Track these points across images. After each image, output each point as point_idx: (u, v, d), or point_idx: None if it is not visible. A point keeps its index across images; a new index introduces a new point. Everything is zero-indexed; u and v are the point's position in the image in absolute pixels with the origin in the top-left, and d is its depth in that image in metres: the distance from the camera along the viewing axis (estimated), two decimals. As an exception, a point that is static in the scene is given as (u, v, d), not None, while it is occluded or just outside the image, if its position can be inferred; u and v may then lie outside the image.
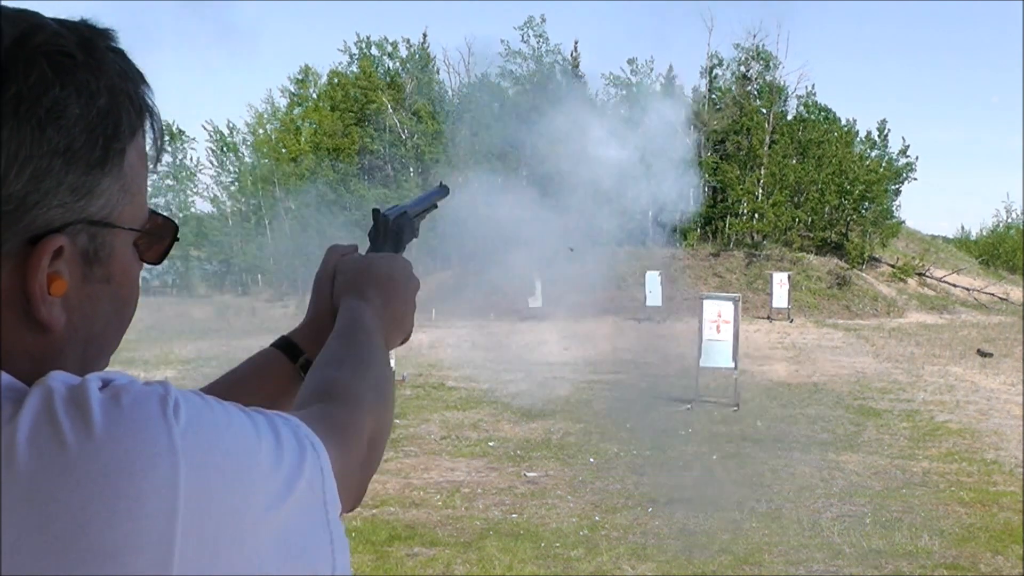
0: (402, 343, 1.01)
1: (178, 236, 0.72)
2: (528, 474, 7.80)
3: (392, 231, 1.10)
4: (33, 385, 0.55)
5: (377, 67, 41.00)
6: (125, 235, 0.64)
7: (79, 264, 0.61)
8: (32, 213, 0.57)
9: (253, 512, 0.55)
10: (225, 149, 39.97)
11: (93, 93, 0.59)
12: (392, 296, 0.97)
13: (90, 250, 0.61)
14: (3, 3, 0.62)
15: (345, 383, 0.80)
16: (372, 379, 0.83)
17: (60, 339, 0.60)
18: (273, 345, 0.96)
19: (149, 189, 0.69)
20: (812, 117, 37.81)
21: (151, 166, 0.68)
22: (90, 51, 0.61)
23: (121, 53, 0.64)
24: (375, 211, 1.11)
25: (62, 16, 0.64)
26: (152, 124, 0.66)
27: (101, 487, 0.51)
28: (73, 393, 0.54)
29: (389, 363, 0.89)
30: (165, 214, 0.71)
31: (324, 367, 0.83)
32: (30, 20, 0.60)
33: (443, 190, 1.27)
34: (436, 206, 1.25)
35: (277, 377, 0.93)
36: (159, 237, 0.70)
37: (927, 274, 32.52)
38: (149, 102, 0.65)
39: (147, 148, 0.66)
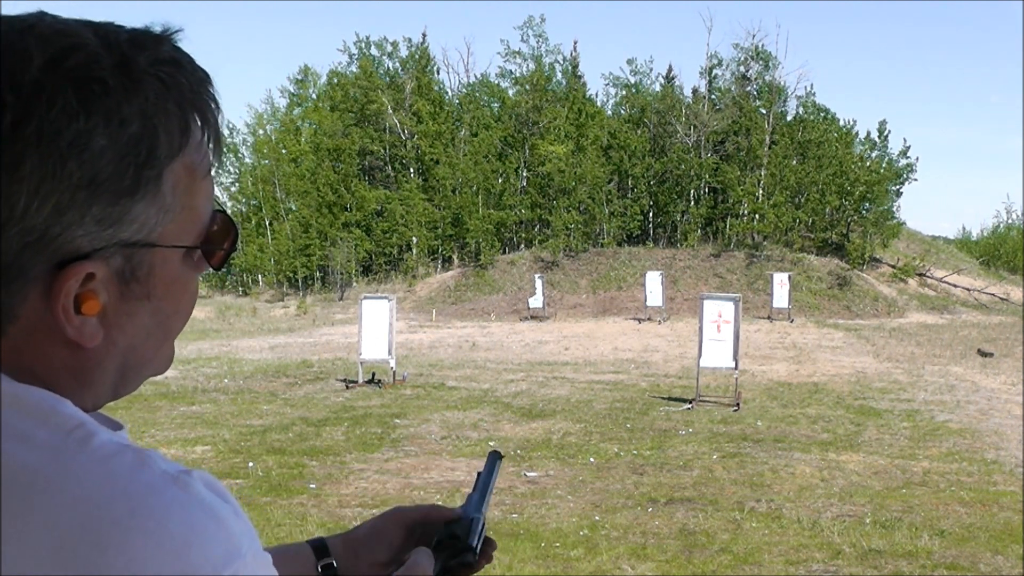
0: None
1: (238, 240, 0.69)
2: (528, 474, 7.80)
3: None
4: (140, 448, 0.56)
5: (377, 67, 40.96)
6: (167, 252, 0.62)
7: (115, 283, 0.59)
8: (56, 243, 0.56)
9: None
10: (225, 150, 40.03)
11: (124, 120, 0.56)
12: None
13: (126, 270, 0.59)
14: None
15: None
16: None
17: (97, 353, 0.60)
18: (308, 540, 0.94)
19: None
20: (812, 118, 37.76)
21: (209, 172, 0.64)
22: (126, 73, 0.57)
23: (172, 63, 0.60)
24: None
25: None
26: (206, 133, 0.62)
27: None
28: (180, 474, 0.55)
29: None
30: (228, 214, 0.67)
31: None
32: (64, 40, 0.56)
33: (498, 457, 1.12)
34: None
35: (298, 571, 0.91)
36: (215, 244, 0.66)
37: (927, 274, 32.51)
38: (203, 111, 0.61)
39: (201, 159, 0.62)
